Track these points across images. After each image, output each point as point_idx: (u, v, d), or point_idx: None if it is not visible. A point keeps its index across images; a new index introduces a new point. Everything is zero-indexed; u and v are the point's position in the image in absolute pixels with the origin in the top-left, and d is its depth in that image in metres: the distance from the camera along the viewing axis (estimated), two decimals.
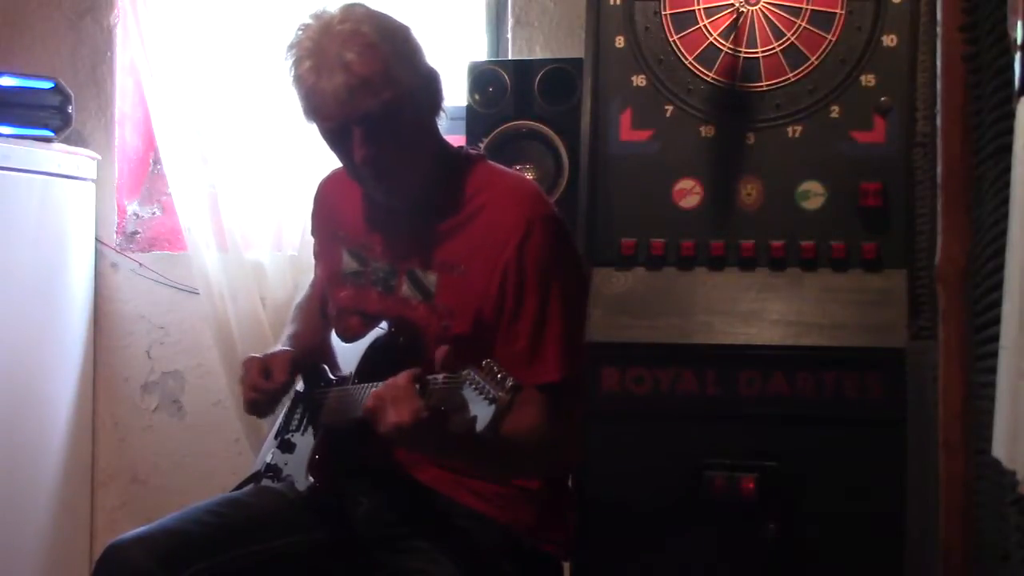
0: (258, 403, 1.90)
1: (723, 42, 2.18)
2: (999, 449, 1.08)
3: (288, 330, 2.07)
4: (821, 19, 2.15)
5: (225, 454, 3.01)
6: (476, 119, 2.44)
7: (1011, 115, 1.11)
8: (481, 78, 2.44)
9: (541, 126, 2.40)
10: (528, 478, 1.84)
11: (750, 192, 2.16)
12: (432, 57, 1.82)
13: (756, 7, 2.17)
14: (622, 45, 2.23)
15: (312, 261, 2.12)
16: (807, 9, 2.15)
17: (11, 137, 2.82)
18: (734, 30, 2.18)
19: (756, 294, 2.10)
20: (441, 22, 3.01)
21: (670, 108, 2.20)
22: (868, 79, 2.12)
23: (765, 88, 2.16)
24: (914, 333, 1.98)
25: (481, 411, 1.41)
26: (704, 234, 2.15)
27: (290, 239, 2.93)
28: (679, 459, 2.05)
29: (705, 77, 2.19)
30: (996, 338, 1.12)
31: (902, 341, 1.98)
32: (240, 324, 2.88)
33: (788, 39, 2.16)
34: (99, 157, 3.04)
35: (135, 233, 3.15)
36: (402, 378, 1.54)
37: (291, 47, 1.74)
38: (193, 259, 2.92)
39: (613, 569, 2.09)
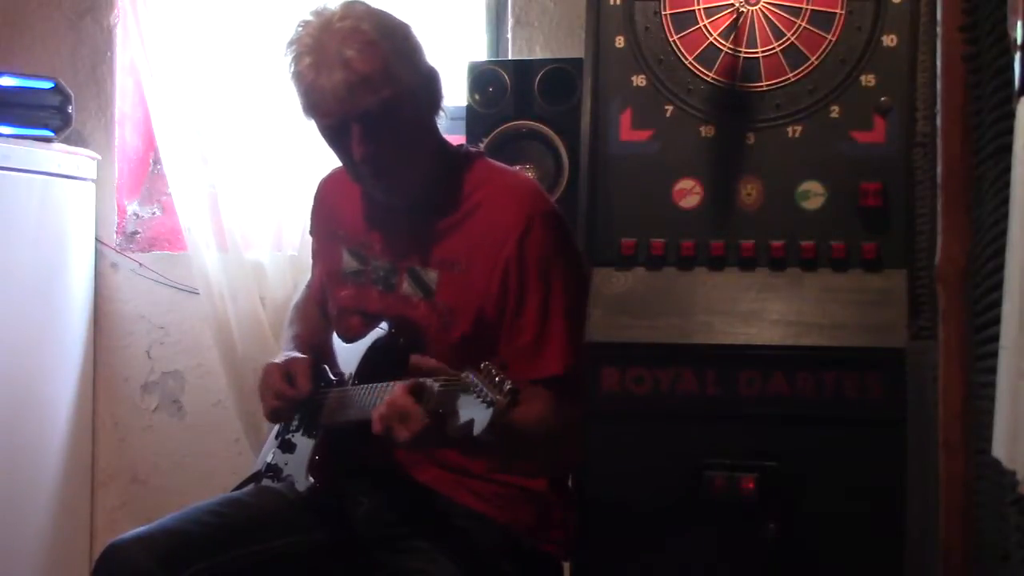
0: (281, 411, 1.90)
1: (723, 42, 2.18)
2: (999, 449, 1.07)
3: (290, 331, 2.07)
4: (821, 19, 2.14)
5: (225, 454, 3.01)
6: (476, 119, 2.44)
7: (1011, 115, 1.11)
8: (481, 78, 2.45)
9: (541, 126, 2.40)
10: (534, 472, 1.84)
11: (750, 192, 2.16)
12: (432, 56, 1.82)
13: (756, 7, 2.17)
14: (622, 45, 2.23)
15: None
16: (807, 9, 2.15)
17: (11, 137, 2.82)
18: (734, 30, 2.17)
19: (756, 294, 2.10)
20: (441, 22, 3.01)
21: (670, 108, 2.20)
22: (868, 79, 2.12)
23: (765, 88, 2.16)
24: (914, 333, 1.98)
25: (479, 414, 1.41)
26: (704, 234, 2.15)
27: (290, 239, 2.93)
28: (679, 459, 2.05)
29: (705, 77, 2.19)
30: (996, 338, 1.12)
31: (902, 341, 1.98)
32: (240, 324, 2.88)
33: (788, 39, 2.15)
34: (99, 157, 3.04)
35: (135, 233, 3.15)
36: (399, 394, 1.53)
37: (291, 44, 1.74)
38: (193, 259, 2.92)
39: (613, 569, 2.09)
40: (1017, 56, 1.07)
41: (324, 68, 1.69)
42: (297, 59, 1.73)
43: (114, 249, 3.08)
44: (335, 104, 1.70)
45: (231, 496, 1.87)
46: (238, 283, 2.89)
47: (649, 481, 2.08)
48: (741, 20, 2.17)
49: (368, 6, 1.76)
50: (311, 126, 1.80)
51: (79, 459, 3.02)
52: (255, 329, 2.87)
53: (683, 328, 2.09)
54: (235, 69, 2.95)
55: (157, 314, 3.06)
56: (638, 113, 2.21)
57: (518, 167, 2.33)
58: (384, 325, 1.85)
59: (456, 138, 2.05)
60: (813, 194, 2.13)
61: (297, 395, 1.87)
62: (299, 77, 1.73)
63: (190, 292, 2.99)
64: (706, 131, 2.18)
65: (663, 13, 2.21)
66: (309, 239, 2.12)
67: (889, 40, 2.12)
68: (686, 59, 2.19)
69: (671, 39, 2.21)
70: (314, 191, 2.07)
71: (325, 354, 1.96)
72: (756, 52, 2.17)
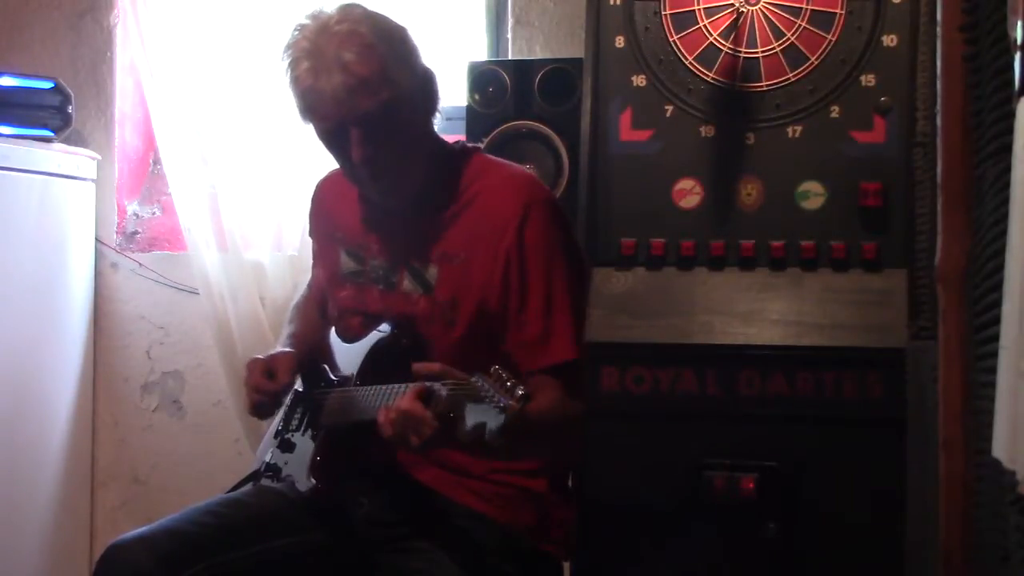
0: (262, 405, 1.90)
1: (723, 42, 2.18)
2: (999, 449, 1.07)
3: (287, 330, 2.07)
4: (821, 19, 2.14)
5: (225, 454, 3.00)
6: (476, 119, 2.44)
7: (1011, 115, 1.11)
8: (481, 78, 2.45)
9: (541, 126, 2.40)
10: (541, 459, 1.84)
11: (750, 192, 2.16)
12: (432, 57, 1.82)
13: (756, 7, 2.17)
14: (622, 45, 2.23)
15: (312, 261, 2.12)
16: (807, 9, 2.15)
17: (11, 137, 2.82)
18: (734, 30, 2.17)
19: (756, 294, 2.10)
20: (441, 22, 3.01)
21: (670, 108, 2.20)
22: (868, 79, 2.12)
23: (765, 88, 2.16)
24: (914, 333, 1.98)
25: (491, 419, 1.41)
26: (704, 234, 2.15)
27: (290, 239, 2.93)
28: (679, 459, 2.05)
29: (705, 77, 2.19)
30: (996, 338, 1.12)
31: (902, 341, 1.98)
32: (240, 324, 2.88)
33: (788, 39, 2.16)
34: (99, 157, 3.04)
35: (135, 233, 3.15)
36: (408, 399, 1.53)
37: (288, 48, 1.74)
38: (193, 259, 2.92)
39: (613, 569, 2.09)
40: (1017, 56, 1.07)
41: (322, 72, 1.68)
42: (295, 63, 1.72)
43: (114, 249, 3.08)
44: (334, 108, 1.70)
45: (231, 496, 1.87)
46: (238, 283, 2.89)
47: (649, 481, 2.08)
48: (741, 20, 2.17)
49: (365, 9, 1.76)
50: (309, 129, 1.80)
51: (79, 459, 3.02)
52: (255, 329, 2.87)
53: (683, 328, 2.09)
54: (235, 69, 2.95)
55: (157, 314, 3.06)
56: (638, 113, 2.21)
57: None
58: (385, 326, 1.85)
59: (456, 138, 2.05)
60: (813, 194, 2.13)
61: (275, 388, 1.87)
62: (297, 81, 1.72)
63: (190, 292, 2.99)
64: (706, 131, 2.18)
65: (663, 13, 2.22)
66: (309, 239, 2.12)
67: (889, 40, 2.12)
68: (686, 59, 2.19)
69: (671, 39, 2.21)
70: (312, 193, 2.07)
71: (324, 354, 1.96)
72: (756, 52, 2.17)
